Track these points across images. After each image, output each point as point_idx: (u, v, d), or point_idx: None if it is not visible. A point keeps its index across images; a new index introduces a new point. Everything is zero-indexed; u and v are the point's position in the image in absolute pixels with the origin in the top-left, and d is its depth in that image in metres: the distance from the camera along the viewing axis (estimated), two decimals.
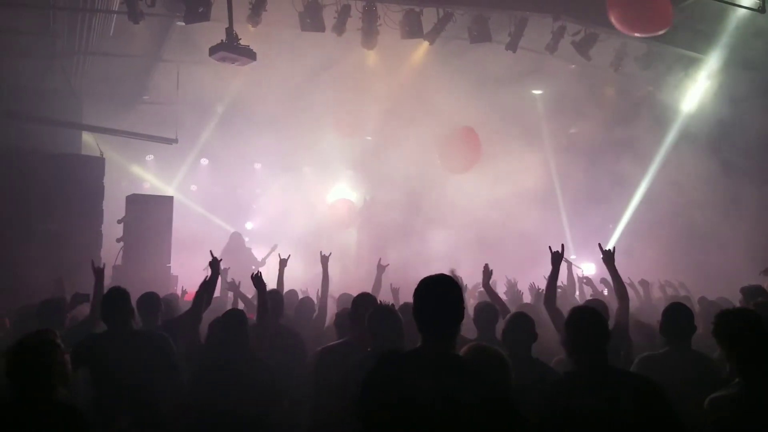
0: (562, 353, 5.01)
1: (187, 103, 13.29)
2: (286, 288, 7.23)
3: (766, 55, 10.57)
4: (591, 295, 8.24)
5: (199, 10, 9.17)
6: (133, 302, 4.97)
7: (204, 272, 6.00)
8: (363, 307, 4.51)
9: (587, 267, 12.80)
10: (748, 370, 3.34)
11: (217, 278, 5.63)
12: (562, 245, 5.47)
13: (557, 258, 5.38)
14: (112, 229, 10.87)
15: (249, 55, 9.04)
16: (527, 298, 8.08)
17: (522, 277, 8.74)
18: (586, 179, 14.52)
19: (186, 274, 10.64)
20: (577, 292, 9.23)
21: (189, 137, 14.51)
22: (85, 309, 5.87)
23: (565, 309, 6.79)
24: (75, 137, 12.55)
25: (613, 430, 3.01)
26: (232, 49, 8.86)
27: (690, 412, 3.32)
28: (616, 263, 5.36)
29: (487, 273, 6.63)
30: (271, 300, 5.56)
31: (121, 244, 10.80)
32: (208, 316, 5.28)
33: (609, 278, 5.99)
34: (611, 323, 4.32)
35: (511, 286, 8.27)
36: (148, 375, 4.35)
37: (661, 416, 3.06)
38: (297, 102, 15.12)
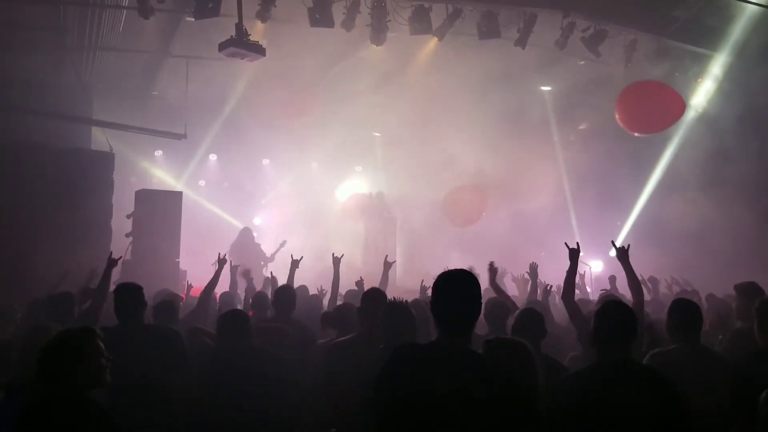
0: (571, 349, 5.05)
1: (196, 98, 13.33)
2: (297, 284, 7.28)
3: None
4: (601, 291, 8.22)
5: (209, 6, 9.20)
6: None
7: (212, 267, 6.31)
8: (373, 303, 4.52)
9: (595, 264, 12.79)
10: None
11: (218, 278, 5.88)
12: (578, 243, 5.49)
13: (575, 254, 5.38)
14: (121, 223, 10.92)
15: (258, 50, 9.06)
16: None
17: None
18: (595, 175, 14.48)
19: (194, 269, 10.69)
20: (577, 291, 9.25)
21: (198, 133, 14.56)
22: None
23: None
24: (85, 132, 12.63)
25: (636, 425, 2.99)
26: (241, 44, 8.89)
27: (700, 408, 3.31)
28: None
29: (493, 271, 6.64)
30: (283, 295, 5.71)
31: (130, 238, 10.86)
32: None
33: (617, 276, 6.00)
34: None
35: (543, 287, 8.14)
36: (159, 369, 4.37)
37: (678, 416, 3.06)
38: (305, 97, 15.15)
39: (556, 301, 7.66)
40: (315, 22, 9.92)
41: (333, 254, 7.46)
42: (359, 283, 7.54)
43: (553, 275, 7.24)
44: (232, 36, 8.88)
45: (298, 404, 4.58)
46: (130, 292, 4.75)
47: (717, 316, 5.60)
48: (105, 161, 10.94)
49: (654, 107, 9.86)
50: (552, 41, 10.84)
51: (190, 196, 14.79)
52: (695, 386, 3.58)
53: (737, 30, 10.66)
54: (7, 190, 9.63)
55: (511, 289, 9.18)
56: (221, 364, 4.47)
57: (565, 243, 5.54)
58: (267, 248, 13.03)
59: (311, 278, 8.68)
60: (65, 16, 10.53)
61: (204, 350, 4.90)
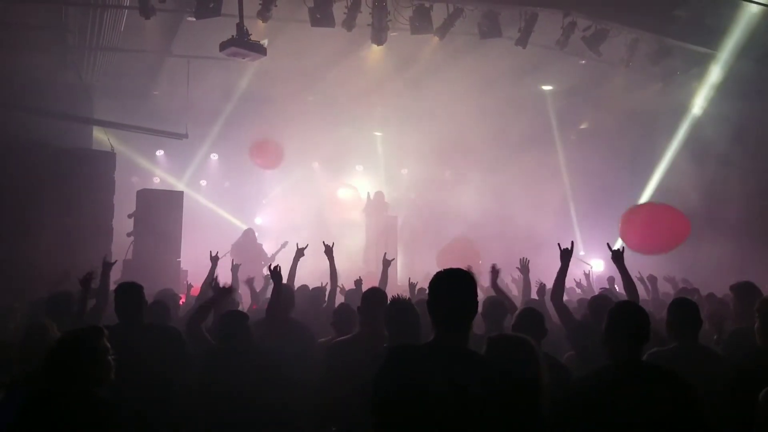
0: (569, 349, 5.06)
1: (197, 98, 13.34)
2: (298, 282, 7.24)
3: None
4: (600, 290, 8.20)
5: (210, 6, 9.21)
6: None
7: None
8: (373, 302, 4.53)
9: (596, 263, 12.78)
10: None
11: (212, 275, 5.92)
12: (572, 242, 5.50)
13: (566, 255, 5.40)
14: (122, 223, 10.94)
15: (259, 50, 9.06)
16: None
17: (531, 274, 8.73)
18: (596, 175, 14.47)
19: (196, 269, 10.70)
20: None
21: (199, 132, 14.57)
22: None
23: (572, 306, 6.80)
24: (86, 132, 12.64)
25: (652, 427, 2.99)
26: (242, 44, 8.89)
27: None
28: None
29: (495, 272, 6.64)
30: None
31: (132, 238, 10.88)
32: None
33: (616, 276, 6.01)
34: None
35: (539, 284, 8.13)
36: (160, 367, 4.38)
37: (695, 418, 3.05)
38: (306, 97, 15.18)
39: None
40: (316, 21, 9.93)
41: (324, 242, 7.24)
42: (358, 282, 7.49)
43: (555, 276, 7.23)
44: (233, 36, 8.88)
45: (299, 403, 4.59)
46: (131, 292, 4.76)
47: (713, 316, 5.59)
48: (106, 161, 10.96)
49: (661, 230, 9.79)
50: (553, 41, 10.83)
51: (191, 195, 14.82)
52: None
53: (739, 29, 10.64)
54: (8, 190, 9.65)
55: (513, 290, 9.20)
56: (222, 364, 4.48)
57: (558, 244, 5.56)
58: (268, 248, 13.05)
59: (313, 278, 8.68)
60: (67, 16, 10.55)
61: (205, 348, 4.91)
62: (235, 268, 8.16)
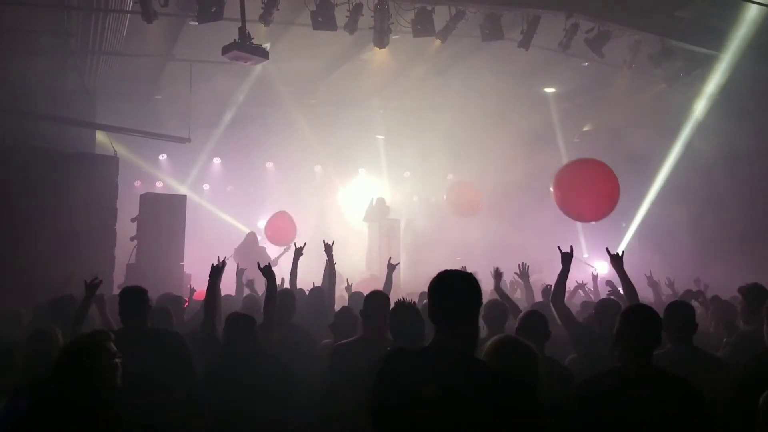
0: (573, 351, 5.04)
1: (199, 102, 13.35)
2: (299, 287, 7.22)
3: None
4: (608, 293, 8.17)
5: (212, 10, 9.21)
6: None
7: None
8: (376, 305, 4.51)
9: (600, 266, 12.74)
10: None
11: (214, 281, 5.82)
12: (571, 246, 5.48)
13: (567, 258, 5.39)
14: (126, 227, 10.95)
15: (261, 54, 9.07)
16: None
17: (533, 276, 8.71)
18: None
19: (199, 273, 10.69)
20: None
21: (201, 136, 14.58)
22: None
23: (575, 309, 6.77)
24: (89, 136, 12.65)
25: (659, 430, 2.97)
26: (244, 48, 8.89)
27: None
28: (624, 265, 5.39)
29: (498, 275, 6.62)
30: (283, 299, 5.61)
31: (135, 242, 10.89)
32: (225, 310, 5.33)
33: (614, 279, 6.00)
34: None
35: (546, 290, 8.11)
36: (163, 372, 4.37)
37: (702, 423, 3.03)
38: (309, 100, 15.18)
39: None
40: (318, 25, 9.92)
41: (324, 241, 7.16)
42: (348, 288, 7.46)
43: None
44: (235, 39, 8.89)
45: (302, 407, 4.57)
46: (134, 296, 4.75)
47: (722, 319, 5.57)
48: (109, 165, 10.95)
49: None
50: (555, 42, 10.81)
51: (194, 199, 14.82)
52: None
53: (742, 30, 10.60)
54: (11, 194, 9.65)
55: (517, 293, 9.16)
56: (226, 367, 4.47)
57: (558, 247, 5.55)
58: (271, 252, 13.04)
59: (317, 281, 8.67)
60: (69, 20, 10.57)
61: (210, 351, 4.89)
62: (240, 273, 8.14)
